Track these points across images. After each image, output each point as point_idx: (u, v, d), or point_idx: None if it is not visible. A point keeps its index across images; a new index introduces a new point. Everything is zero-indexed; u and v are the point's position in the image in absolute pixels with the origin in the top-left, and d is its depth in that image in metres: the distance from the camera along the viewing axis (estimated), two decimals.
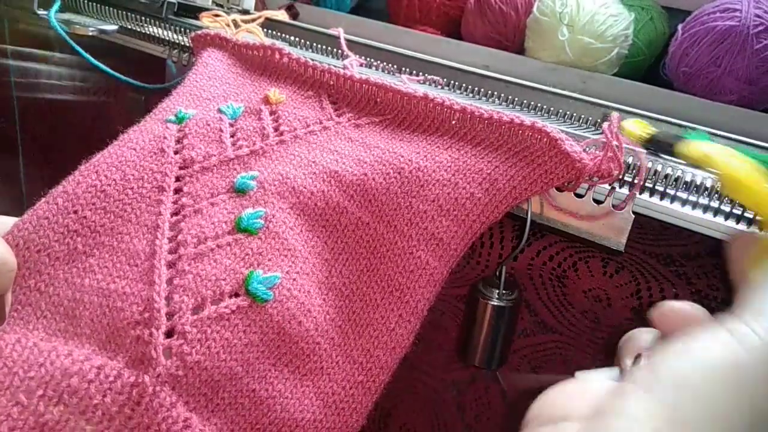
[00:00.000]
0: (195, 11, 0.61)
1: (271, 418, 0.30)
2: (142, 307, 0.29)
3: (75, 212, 0.32)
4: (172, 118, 0.39)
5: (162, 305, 0.29)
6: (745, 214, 0.34)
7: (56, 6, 0.63)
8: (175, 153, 0.37)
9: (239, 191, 0.35)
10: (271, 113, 0.40)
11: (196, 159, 0.36)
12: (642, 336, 0.28)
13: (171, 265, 0.31)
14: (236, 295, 0.30)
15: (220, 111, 0.40)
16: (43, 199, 0.32)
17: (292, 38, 0.61)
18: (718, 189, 0.34)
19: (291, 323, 0.31)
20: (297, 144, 0.38)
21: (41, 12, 0.64)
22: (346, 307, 0.33)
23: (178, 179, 0.35)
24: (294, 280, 0.32)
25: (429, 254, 0.34)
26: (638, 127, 0.36)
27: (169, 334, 0.28)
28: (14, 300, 0.29)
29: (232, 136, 0.39)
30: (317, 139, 0.38)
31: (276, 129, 0.39)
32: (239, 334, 0.29)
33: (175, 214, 0.34)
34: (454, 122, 0.37)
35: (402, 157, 0.36)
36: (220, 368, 0.28)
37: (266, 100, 0.41)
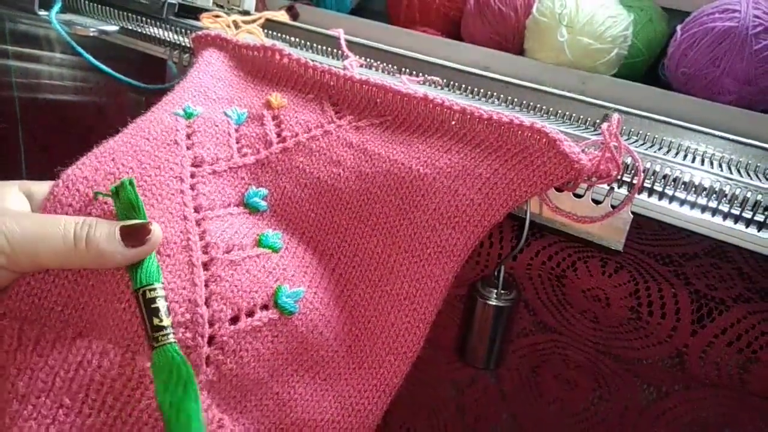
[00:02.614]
0: (195, 12, 0.62)
1: (293, 419, 0.32)
2: (183, 307, 0.29)
3: (96, 199, 0.32)
4: (180, 112, 0.39)
5: (204, 311, 0.30)
6: (743, 214, 0.34)
7: (57, 7, 0.63)
8: (187, 148, 0.37)
9: (252, 208, 0.37)
10: (274, 118, 0.41)
11: (206, 159, 0.37)
12: None
13: (205, 266, 0.32)
14: (266, 307, 0.32)
15: (225, 114, 0.41)
16: (61, 183, 0.32)
17: (293, 39, 0.61)
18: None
19: (313, 333, 0.33)
20: (300, 153, 0.39)
21: (42, 13, 0.64)
22: (361, 316, 0.35)
23: (192, 176, 0.36)
24: (315, 293, 0.34)
25: (433, 263, 0.35)
26: None
27: (208, 341, 0.30)
28: (51, 294, 0.29)
29: (237, 142, 0.39)
30: (319, 145, 0.39)
31: (279, 134, 0.40)
32: (268, 344, 0.31)
33: (195, 210, 0.34)
34: (453, 123, 0.37)
35: (402, 165, 0.36)
36: (249, 375, 0.30)
37: (268, 105, 0.41)
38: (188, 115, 0.39)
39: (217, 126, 0.39)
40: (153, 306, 0.28)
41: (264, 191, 0.37)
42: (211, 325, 0.30)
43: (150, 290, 0.28)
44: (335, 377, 0.34)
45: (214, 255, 0.32)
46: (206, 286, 0.31)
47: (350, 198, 0.37)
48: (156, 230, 0.29)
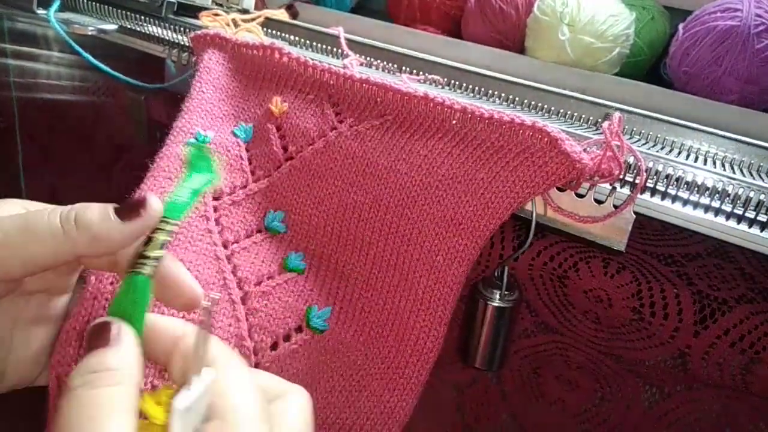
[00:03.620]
0: (195, 10, 0.61)
1: (333, 419, 0.36)
2: (233, 342, 0.32)
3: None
4: (193, 141, 0.40)
5: (250, 344, 0.32)
6: (746, 214, 0.34)
7: (56, 5, 0.63)
8: None
9: (273, 232, 0.39)
10: (278, 129, 0.42)
11: (225, 191, 0.39)
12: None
13: (242, 301, 0.34)
14: (300, 329, 0.35)
15: (234, 134, 0.42)
16: None
17: (292, 37, 0.61)
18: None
19: (343, 344, 0.36)
20: (306, 171, 0.40)
21: (41, 11, 0.64)
22: (386, 320, 0.37)
23: (215, 210, 0.38)
24: (341, 309, 0.37)
25: (444, 270, 0.36)
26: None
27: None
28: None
29: (250, 163, 0.41)
30: (323, 159, 0.40)
31: (285, 148, 0.41)
32: (305, 362, 0.34)
33: (224, 246, 0.36)
34: (454, 122, 0.37)
35: (405, 175, 0.37)
36: None
37: (270, 114, 0.42)
38: (201, 143, 0.40)
39: (229, 151, 0.41)
40: (152, 234, 0.25)
41: (281, 213, 0.39)
42: (255, 354, 0.32)
43: (163, 222, 0.25)
44: (368, 378, 0.36)
45: (248, 289, 0.34)
46: (246, 320, 0.33)
47: (361, 211, 0.38)
48: (153, 199, 0.25)
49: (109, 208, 0.25)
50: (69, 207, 0.25)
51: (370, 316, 0.37)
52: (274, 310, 0.34)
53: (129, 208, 0.25)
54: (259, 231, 0.39)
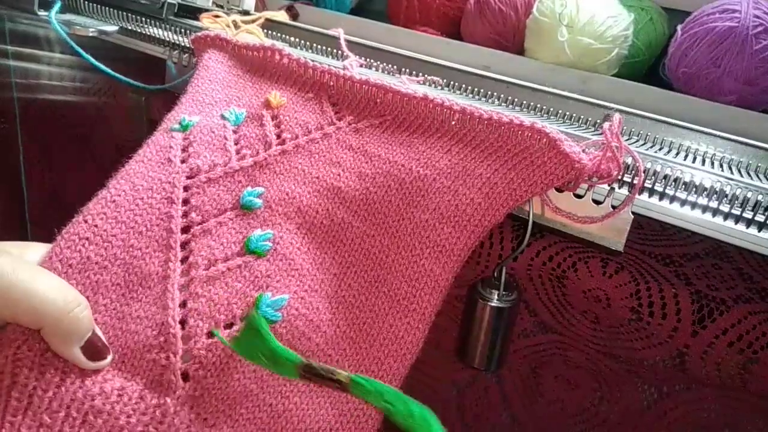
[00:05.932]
0: (195, 12, 0.62)
1: (289, 429, 0.31)
2: (156, 331, 0.30)
3: (85, 221, 0.32)
4: (177, 126, 0.39)
5: (177, 330, 0.30)
6: (744, 215, 0.34)
7: (57, 7, 0.63)
8: (182, 162, 0.37)
9: (246, 208, 0.36)
10: (273, 118, 0.41)
11: (202, 168, 0.37)
12: None
13: (183, 287, 0.32)
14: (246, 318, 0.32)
15: (223, 117, 0.41)
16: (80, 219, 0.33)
17: (292, 39, 0.61)
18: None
19: (300, 340, 0.33)
20: (299, 155, 0.39)
21: (42, 13, 0.64)
22: (356, 317, 0.34)
23: (186, 189, 0.36)
24: (302, 299, 0.33)
25: (433, 262, 0.34)
26: None
27: (185, 357, 0.30)
28: None
29: (236, 144, 0.39)
30: (318, 148, 0.39)
31: (278, 136, 0.40)
32: None
33: (184, 230, 0.35)
34: (453, 123, 0.37)
35: (402, 166, 0.36)
36: (235, 387, 0.30)
37: (267, 104, 0.41)
38: (184, 127, 0.39)
39: (213, 132, 0.39)
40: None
41: (260, 189, 0.37)
42: (186, 341, 0.30)
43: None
44: None
45: (194, 274, 0.33)
46: (184, 305, 0.31)
47: (350, 196, 0.37)
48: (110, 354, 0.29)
49: (77, 348, 0.28)
50: (85, 302, 0.28)
51: (341, 308, 0.34)
52: (218, 296, 0.32)
53: (96, 351, 0.28)
54: (232, 209, 0.36)
